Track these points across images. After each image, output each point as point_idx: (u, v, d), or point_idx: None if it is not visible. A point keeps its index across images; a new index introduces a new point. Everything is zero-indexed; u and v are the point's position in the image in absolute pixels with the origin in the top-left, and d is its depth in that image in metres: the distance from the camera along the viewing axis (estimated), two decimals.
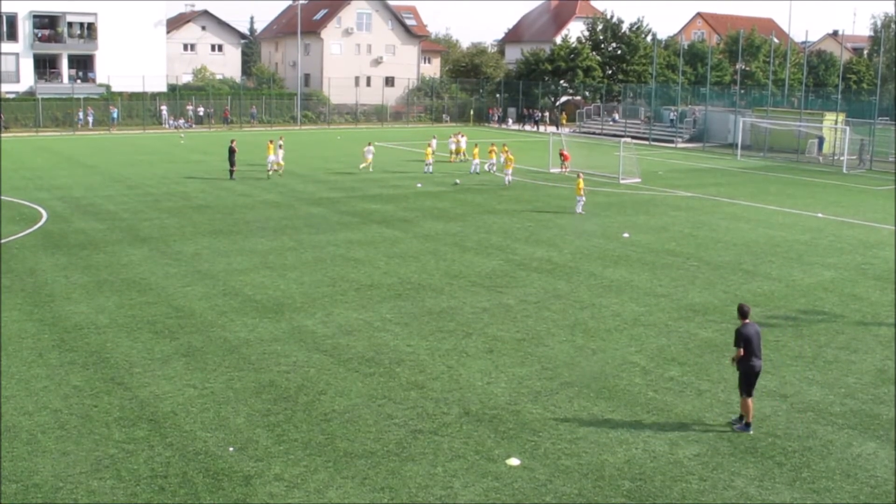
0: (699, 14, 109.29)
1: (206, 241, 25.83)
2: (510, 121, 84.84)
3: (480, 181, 41.39)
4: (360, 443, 12.36)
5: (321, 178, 41.13)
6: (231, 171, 39.83)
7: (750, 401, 13.11)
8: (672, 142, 67.42)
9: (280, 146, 42.48)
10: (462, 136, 52.38)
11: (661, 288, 21.54)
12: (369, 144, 45.47)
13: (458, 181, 40.23)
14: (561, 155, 45.67)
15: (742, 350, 12.95)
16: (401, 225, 29.23)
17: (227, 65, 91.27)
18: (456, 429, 12.93)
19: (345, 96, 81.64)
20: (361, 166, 43.86)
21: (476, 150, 45.12)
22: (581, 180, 32.49)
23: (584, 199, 32.14)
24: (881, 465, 12.15)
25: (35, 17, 70.85)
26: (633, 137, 65.03)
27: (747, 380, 13.05)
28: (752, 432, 13.05)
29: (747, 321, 13.13)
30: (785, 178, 46.75)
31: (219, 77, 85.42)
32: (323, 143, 60.74)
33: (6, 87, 67.95)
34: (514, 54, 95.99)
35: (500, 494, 11.04)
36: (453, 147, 50.63)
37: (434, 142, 51.18)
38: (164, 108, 72.37)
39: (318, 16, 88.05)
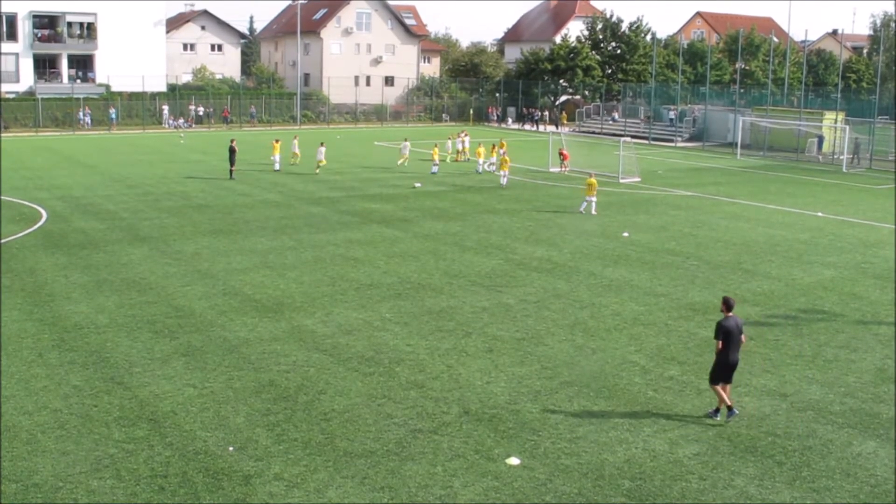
0: (699, 13, 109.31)
1: (205, 240, 25.84)
2: (510, 120, 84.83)
3: (480, 181, 41.39)
4: (359, 442, 12.37)
5: (321, 177, 41.12)
6: (231, 171, 39.85)
7: (718, 388, 13.34)
8: (672, 141, 67.43)
9: (321, 143, 43.87)
10: (466, 135, 52.61)
11: (660, 287, 21.55)
12: (405, 140, 46.73)
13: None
14: (560, 154, 45.68)
15: (721, 342, 13.20)
16: (400, 224, 29.22)
17: (227, 64, 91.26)
18: (455, 428, 12.93)
19: (344, 96, 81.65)
20: (399, 162, 45.23)
21: (480, 150, 45.13)
22: (593, 179, 32.36)
23: (591, 200, 31.88)
24: (881, 464, 12.15)
25: (35, 17, 70.83)
26: (632, 137, 65.00)
27: (720, 369, 13.31)
28: (737, 412, 13.33)
29: (730, 314, 13.35)
30: (785, 177, 46.75)
31: (218, 77, 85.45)
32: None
33: (6, 87, 67.92)
34: (513, 54, 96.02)
35: (499, 494, 11.04)
36: (460, 146, 50.81)
37: (449, 143, 51.69)
38: (165, 107, 72.37)
39: (318, 15, 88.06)
